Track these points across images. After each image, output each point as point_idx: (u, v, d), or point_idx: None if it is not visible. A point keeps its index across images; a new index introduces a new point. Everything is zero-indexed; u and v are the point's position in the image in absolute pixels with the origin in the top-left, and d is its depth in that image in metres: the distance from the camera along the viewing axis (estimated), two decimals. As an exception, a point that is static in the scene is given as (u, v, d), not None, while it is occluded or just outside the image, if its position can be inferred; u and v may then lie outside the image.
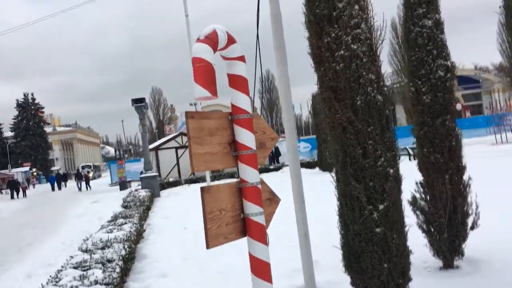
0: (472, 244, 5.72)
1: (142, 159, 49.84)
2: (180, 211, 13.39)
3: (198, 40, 2.67)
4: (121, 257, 6.44)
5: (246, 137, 2.87)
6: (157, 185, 19.16)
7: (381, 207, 4.11)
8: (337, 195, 4.37)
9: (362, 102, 4.11)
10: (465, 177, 5.69)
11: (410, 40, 5.68)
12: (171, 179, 23.21)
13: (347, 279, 4.45)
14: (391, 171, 4.17)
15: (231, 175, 23.80)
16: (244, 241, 8.01)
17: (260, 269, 2.85)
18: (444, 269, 5.66)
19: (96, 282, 5.17)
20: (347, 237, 4.27)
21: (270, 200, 3.12)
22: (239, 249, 7.51)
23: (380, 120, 4.17)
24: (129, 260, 7.24)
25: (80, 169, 50.76)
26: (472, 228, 5.70)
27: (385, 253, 4.12)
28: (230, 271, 6.44)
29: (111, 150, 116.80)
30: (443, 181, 5.53)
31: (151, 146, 22.91)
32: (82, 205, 20.67)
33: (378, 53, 4.29)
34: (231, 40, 2.82)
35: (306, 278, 4.26)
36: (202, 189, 2.68)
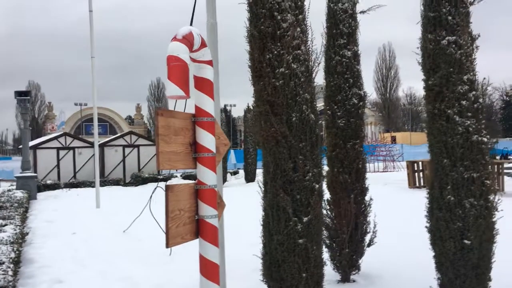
0: (367, 260, 6.25)
1: (12, 157, 45.55)
2: (64, 215, 12.55)
3: (175, 39, 2.67)
4: (11, 260, 5.90)
5: (207, 140, 2.91)
6: (34, 187, 17.71)
7: (305, 219, 4.35)
8: (263, 206, 4.53)
9: (297, 119, 4.34)
10: (367, 197, 6.23)
11: (330, 67, 6.12)
12: (49, 182, 21.58)
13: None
14: (317, 186, 4.44)
15: (117, 182, 22.88)
16: (144, 249, 7.78)
17: (211, 271, 2.88)
18: (341, 282, 6.09)
19: (-11, 286, 4.69)
20: (270, 247, 4.42)
21: (218, 204, 3.16)
22: (139, 257, 7.35)
23: (311, 137, 4.44)
24: (16, 264, 6.64)
25: None
26: (369, 245, 6.24)
27: (305, 263, 4.35)
28: (133, 279, 6.24)
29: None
30: (349, 200, 6.00)
31: (29, 144, 21.12)
32: None
33: (313, 75, 4.59)
34: (203, 44, 2.86)
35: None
36: (167, 187, 2.65)
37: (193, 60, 2.90)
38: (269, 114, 4.36)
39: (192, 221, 2.85)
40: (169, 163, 2.71)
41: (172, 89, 2.58)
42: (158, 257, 7.41)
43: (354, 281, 6.09)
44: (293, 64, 4.36)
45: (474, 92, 4.31)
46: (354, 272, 6.18)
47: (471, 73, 4.32)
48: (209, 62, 2.94)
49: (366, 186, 6.23)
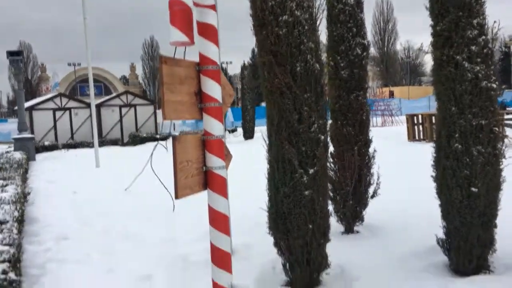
0: (371, 211, 6.27)
1: (8, 120, 45.22)
2: (64, 175, 12.56)
3: (176, -19, 2.52)
4: (15, 219, 5.90)
5: (213, 89, 2.81)
6: (32, 148, 17.64)
7: (311, 171, 4.30)
8: (268, 159, 4.47)
9: (302, 69, 4.22)
10: (371, 149, 6.19)
11: (333, 16, 5.92)
12: (46, 143, 21.51)
13: (262, 241, 4.61)
14: (322, 137, 4.37)
15: (115, 142, 22.86)
16: (147, 206, 7.80)
17: (219, 222, 2.85)
18: (345, 233, 6.13)
19: (-5, 244, 4.68)
20: (276, 199, 4.39)
21: (225, 156, 3.10)
22: (143, 214, 7.38)
23: (316, 88, 4.33)
24: (20, 223, 6.65)
25: None
26: (372, 196, 6.25)
27: (311, 214, 4.33)
28: (138, 236, 6.26)
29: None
30: (352, 152, 5.95)
31: (25, 105, 20.88)
32: None
33: (317, 22, 4.43)
34: (205, -14, 2.71)
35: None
36: (173, 138, 2.58)
37: (196, 5, 2.76)
38: (272, 64, 4.23)
39: (200, 172, 2.79)
40: (175, 113, 2.62)
41: (175, 35, 2.46)
42: (162, 214, 7.44)
43: (358, 232, 6.13)
44: (296, 11, 4.19)
45: (483, 37, 4.17)
46: (357, 224, 6.22)
47: (481, 17, 4.17)
48: (212, 7, 2.79)
49: (370, 138, 6.18)
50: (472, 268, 4.35)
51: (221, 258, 2.85)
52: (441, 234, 4.65)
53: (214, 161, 2.81)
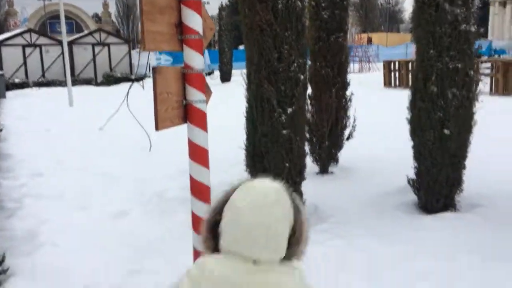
0: (345, 153, 6.41)
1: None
2: (37, 113, 12.29)
3: None
4: (-12, 154, 5.82)
5: (194, 20, 2.73)
6: (2, 85, 17.11)
7: (289, 110, 4.32)
8: (247, 98, 4.46)
9: (283, 6, 4.14)
10: (348, 92, 6.23)
11: (315, -46, 5.77)
12: (17, 80, 20.84)
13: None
14: (302, 77, 4.36)
15: (88, 81, 22.34)
16: (123, 146, 7.74)
17: (199, 155, 2.86)
18: (320, 174, 6.27)
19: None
20: (254, 138, 4.43)
21: (206, 92, 3.08)
22: (118, 153, 7.36)
23: (297, 26, 4.27)
24: (-8, 158, 6.57)
25: None
26: (348, 139, 6.36)
27: (288, 153, 4.40)
28: (113, 174, 6.27)
29: None
30: (330, 94, 5.98)
31: (-8, 41, 20.05)
32: None
33: (300, -41, 4.30)
34: None
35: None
36: (153, 69, 2.53)
37: None
38: (254, 1, 4.13)
39: (180, 105, 2.78)
40: (155, 43, 2.56)
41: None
42: (137, 154, 7.43)
43: (332, 173, 6.28)
44: None
45: (466, -21, 4.15)
46: (332, 165, 6.36)
47: (465, -42, 4.12)
48: None
49: (348, 81, 6.20)
50: (440, 206, 4.55)
51: (200, 191, 2.89)
52: (412, 175, 4.81)
53: (194, 95, 2.78)
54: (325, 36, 5.86)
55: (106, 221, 4.55)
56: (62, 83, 21.18)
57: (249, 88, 4.42)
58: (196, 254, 2.94)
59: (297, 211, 1.50)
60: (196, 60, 2.77)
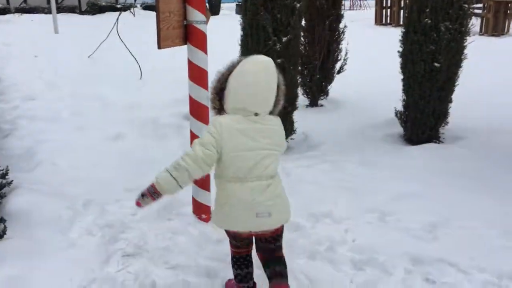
0: (336, 86, 6.51)
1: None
2: (22, 39, 11.92)
3: None
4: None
5: None
6: (-17, 9, 16.51)
7: (284, 39, 4.36)
8: (242, 25, 4.47)
9: None
10: (342, 25, 6.23)
11: None
12: (-3, 6, 20.09)
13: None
14: (298, 5, 4.36)
15: (72, 9, 21.60)
16: (113, 74, 7.67)
17: (198, 76, 2.94)
18: (310, 106, 6.40)
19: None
20: (248, 65, 4.48)
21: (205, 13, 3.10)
22: (109, 80, 7.34)
23: (296, -48, 4.22)
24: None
25: None
26: (339, 72, 6.43)
27: (282, 81, 4.49)
28: (106, 99, 6.29)
29: None
30: (324, 26, 5.98)
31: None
32: None
33: None
34: None
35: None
36: (157, -15, 2.55)
37: None
38: None
39: (181, 25, 2.82)
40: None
41: None
42: (128, 82, 7.41)
43: (322, 105, 6.40)
44: None
45: None
46: (322, 98, 6.47)
47: None
48: None
49: (342, 13, 6.18)
50: (425, 138, 4.74)
51: (199, 111, 3.00)
52: (399, 108, 4.97)
53: (195, 15, 2.81)
54: (321, -34, 5.77)
55: (103, 142, 4.66)
56: (45, 10, 20.44)
57: (244, 16, 4.41)
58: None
59: (280, 80, 2.20)
60: (197, -21, 2.78)
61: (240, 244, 2.31)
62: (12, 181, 3.23)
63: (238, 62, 2.17)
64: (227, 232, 2.29)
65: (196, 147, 2.08)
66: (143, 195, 2.15)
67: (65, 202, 3.21)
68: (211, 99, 2.21)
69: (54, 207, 3.11)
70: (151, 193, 2.12)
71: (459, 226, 3.07)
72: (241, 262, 2.32)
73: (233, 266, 2.35)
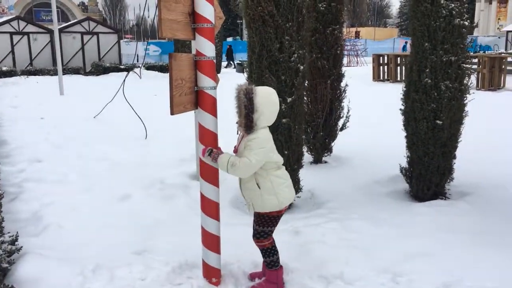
0: (339, 143, 6.59)
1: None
2: (28, 101, 12.24)
3: None
4: (-14, 140, 5.87)
5: (207, 10, 2.86)
6: (-10, 73, 16.97)
7: (289, 100, 4.48)
8: (248, 87, 4.60)
9: (285, -2, 4.27)
10: (343, 83, 6.40)
11: None
12: (4, 68, 20.62)
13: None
14: (301, 67, 4.51)
15: (77, 71, 22.19)
16: (118, 134, 7.78)
17: (208, 139, 3.00)
18: (314, 163, 6.45)
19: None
20: (254, 126, 4.57)
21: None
22: (114, 141, 7.43)
23: (298, 17, 4.41)
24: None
25: None
26: (341, 129, 6.54)
27: (287, 141, 4.56)
28: (112, 160, 6.36)
29: None
30: (326, 85, 6.14)
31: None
32: None
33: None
34: None
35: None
36: (170, 55, 2.65)
37: None
38: (256, -9, 4.26)
39: (192, 91, 2.91)
40: (171, 31, 2.68)
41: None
42: (134, 141, 7.53)
43: (326, 162, 6.46)
44: None
45: (460, -26, 4.32)
46: (326, 154, 6.54)
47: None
48: None
49: (343, 72, 6.37)
50: (431, 194, 4.75)
51: (209, 173, 3.04)
52: (404, 164, 5.01)
53: (205, 81, 2.91)
54: (321, 28, 6.01)
55: (110, 203, 4.67)
56: (50, 72, 21.04)
57: (250, 77, 4.55)
58: (205, 233, 3.10)
59: None
60: (208, 47, 2.90)
61: (275, 227, 3.02)
62: (21, 247, 3.22)
63: (251, 89, 2.79)
64: (278, 216, 2.99)
65: (253, 159, 2.76)
66: (210, 152, 2.86)
67: (74, 268, 3.17)
68: (244, 123, 2.78)
69: (63, 274, 3.08)
70: (212, 158, 2.85)
71: (474, 286, 3.02)
72: (275, 249, 3.04)
73: (270, 255, 3.01)
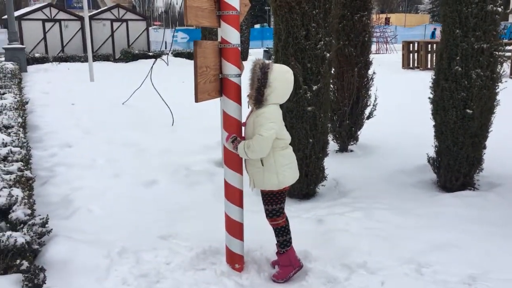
0: (365, 132, 6.51)
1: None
2: (59, 87, 12.51)
3: None
4: (19, 124, 6.03)
5: (232, -3, 2.86)
6: (24, 59, 17.33)
7: (314, 87, 4.44)
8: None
9: (312, -16, 4.22)
10: (370, 71, 6.30)
11: None
12: (37, 55, 21.07)
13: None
14: (328, 55, 4.46)
15: (107, 57, 22.51)
16: (146, 120, 7.87)
17: (232, 126, 3.01)
18: (340, 152, 6.41)
19: (5, 145, 4.84)
20: (279, 113, 4.56)
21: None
22: (142, 127, 7.55)
23: (325, 4, 4.36)
24: (24, 128, 6.78)
25: None
26: (368, 118, 6.46)
27: (312, 129, 4.53)
28: (139, 146, 6.47)
29: None
30: (353, 73, 6.07)
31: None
32: None
33: None
34: None
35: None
36: (195, 42, 2.67)
37: None
38: (283, -22, 4.22)
39: (217, 79, 2.92)
40: (196, 18, 2.69)
41: None
42: (161, 128, 7.62)
43: (351, 151, 6.40)
44: None
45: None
46: (352, 143, 6.48)
47: None
48: None
49: (370, 60, 6.27)
50: (459, 185, 4.66)
51: (233, 162, 3.06)
52: (432, 154, 4.92)
53: (230, 69, 2.92)
54: (349, 15, 5.92)
55: (137, 188, 4.76)
56: (81, 58, 21.38)
57: (276, 65, 4.53)
58: (228, 220, 3.13)
59: None
60: (233, 35, 2.90)
61: (283, 204, 3.06)
62: (51, 229, 3.31)
63: (268, 64, 2.85)
64: (281, 194, 3.01)
65: (264, 133, 2.77)
66: (234, 140, 2.90)
67: (101, 250, 3.26)
68: (254, 96, 2.81)
69: (91, 256, 3.16)
70: (234, 146, 2.89)
71: (500, 279, 2.96)
72: (288, 228, 3.09)
73: (284, 234, 3.06)
